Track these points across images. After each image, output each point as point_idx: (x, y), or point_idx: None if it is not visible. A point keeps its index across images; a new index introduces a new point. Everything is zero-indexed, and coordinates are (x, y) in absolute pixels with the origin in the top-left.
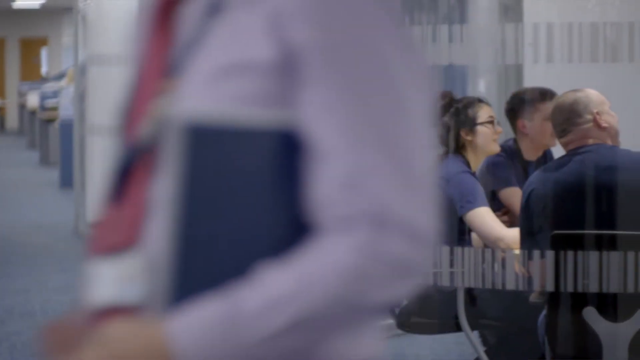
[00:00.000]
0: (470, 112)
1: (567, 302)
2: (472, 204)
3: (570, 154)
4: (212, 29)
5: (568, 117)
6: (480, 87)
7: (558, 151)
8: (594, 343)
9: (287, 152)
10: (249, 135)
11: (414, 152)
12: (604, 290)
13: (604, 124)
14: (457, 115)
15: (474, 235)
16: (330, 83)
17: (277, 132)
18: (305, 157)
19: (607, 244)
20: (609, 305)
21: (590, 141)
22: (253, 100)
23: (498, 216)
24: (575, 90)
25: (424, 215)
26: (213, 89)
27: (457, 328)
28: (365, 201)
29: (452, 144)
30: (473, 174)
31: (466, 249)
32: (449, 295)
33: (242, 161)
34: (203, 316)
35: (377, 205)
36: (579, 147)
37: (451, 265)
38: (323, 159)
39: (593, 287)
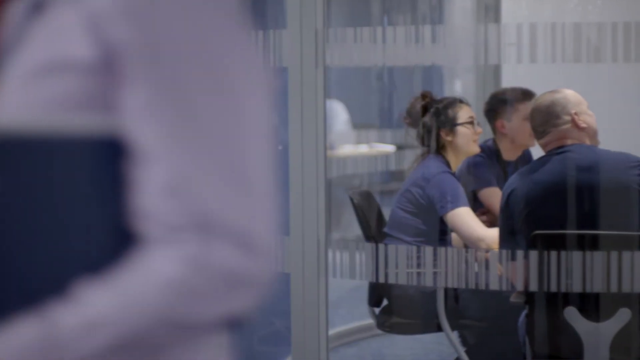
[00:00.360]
0: (450, 112)
1: (548, 302)
2: (453, 204)
3: (550, 154)
4: (33, 27)
5: (547, 119)
6: (457, 87)
7: (537, 151)
8: (575, 343)
9: (110, 158)
10: (68, 142)
11: (247, 156)
12: (588, 290)
13: (583, 125)
14: (437, 115)
15: (453, 236)
16: (152, 84)
17: (99, 137)
18: (130, 163)
19: (589, 244)
20: (591, 305)
21: (569, 141)
22: (73, 103)
23: (477, 216)
24: (552, 92)
25: (258, 222)
26: (30, 92)
27: (439, 328)
28: (190, 209)
29: (432, 144)
30: (453, 174)
31: (447, 249)
32: (430, 296)
33: (61, 170)
34: (17, 339)
35: (203, 213)
36: (558, 147)
37: (410, 265)
38: (146, 165)
39: (576, 287)
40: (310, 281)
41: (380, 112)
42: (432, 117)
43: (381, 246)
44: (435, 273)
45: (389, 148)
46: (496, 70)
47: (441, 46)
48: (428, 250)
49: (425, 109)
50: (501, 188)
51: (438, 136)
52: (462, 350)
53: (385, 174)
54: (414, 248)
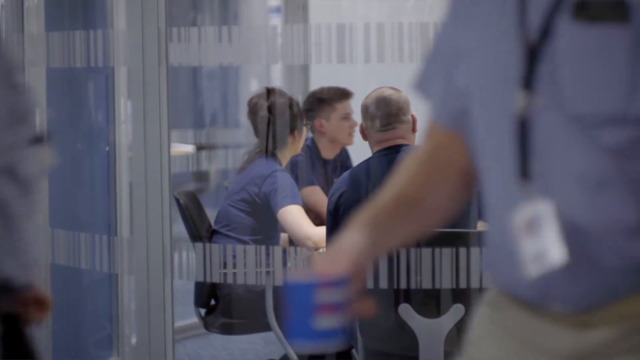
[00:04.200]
0: (300, 112)
1: (383, 299)
2: (285, 201)
3: (380, 154)
4: None
5: (395, 113)
6: (253, 87)
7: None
8: (410, 339)
9: None
10: None
11: None
12: (420, 286)
13: (417, 128)
14: (299, 115)
15: (282, 235)
16: None
17: None
18: None
19: (429, 241)
20: (426, 301)
21: (406, 142)
22: None
23: None
24: (392, 88)
25: None
26: None
27: (268, 327)
28: None
29: (270, 142)
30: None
31: (274, 247)
32: (259, 295)
33: None
34: None
35: None
36: (395, 146)
37: (258, 264)
38: None
39: (410, 284)
40: (156, 283)
41: (181, 112)
42: (284, 115)
43: (213, 246)
44: (260, 272)
45: (189, 148)
46: (305, 70)
47: (243, 46)
48: (260, 249)
49: (270, 107)
50: (321, 186)
51: (283, 134)
52: (290, 349)
53: (185, 174)
54: (249, 247)
